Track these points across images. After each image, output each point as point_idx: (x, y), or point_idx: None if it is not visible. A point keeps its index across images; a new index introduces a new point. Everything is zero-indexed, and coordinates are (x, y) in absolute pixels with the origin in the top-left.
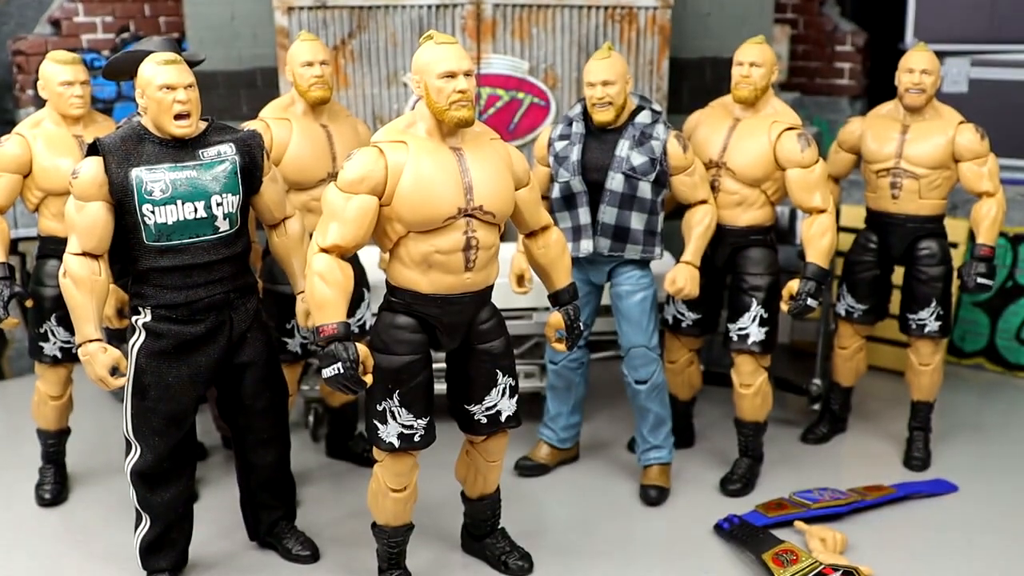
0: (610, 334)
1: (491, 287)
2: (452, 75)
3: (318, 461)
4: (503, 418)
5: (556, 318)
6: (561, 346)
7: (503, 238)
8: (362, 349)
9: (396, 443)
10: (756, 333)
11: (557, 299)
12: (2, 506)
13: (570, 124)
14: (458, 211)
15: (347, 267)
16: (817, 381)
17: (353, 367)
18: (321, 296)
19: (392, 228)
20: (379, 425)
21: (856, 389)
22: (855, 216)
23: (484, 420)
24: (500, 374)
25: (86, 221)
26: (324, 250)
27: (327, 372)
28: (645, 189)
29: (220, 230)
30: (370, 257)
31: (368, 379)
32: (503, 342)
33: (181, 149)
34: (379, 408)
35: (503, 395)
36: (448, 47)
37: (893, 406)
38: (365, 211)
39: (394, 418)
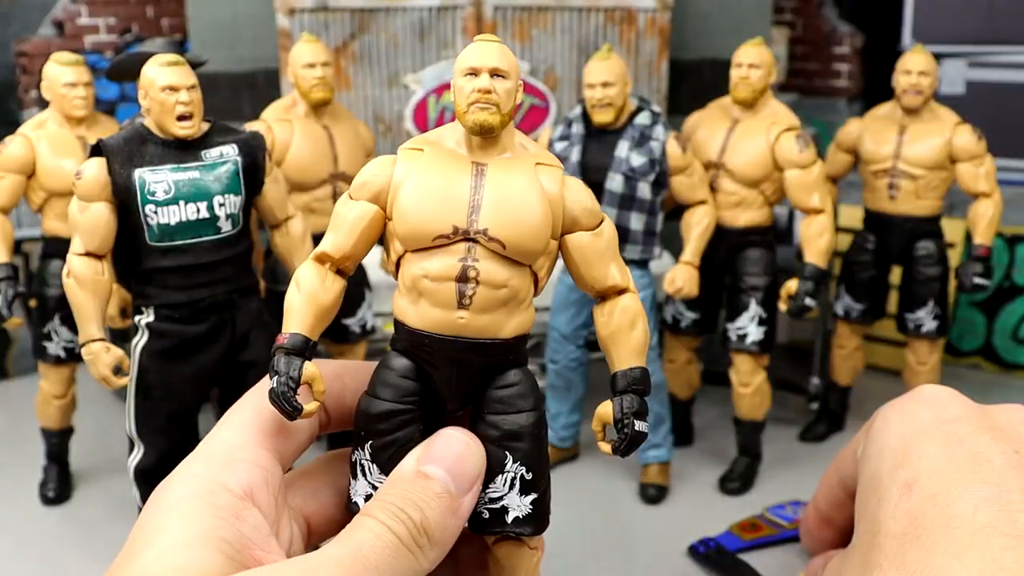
0: None
1: (506, 341)
2: (475, 72)
3: None
4: (509, 518)
5: (604, 410)
6: (607, 446)
7: None
8: (313, 372)
9: (362, 504)
10: (755, 333)
11: (612, 384)
12: (5, 504)
13: (570, 125)
14: (454, 230)
15: (334, 281)
16: (815, 380)
17: (288, 385)
18: (288, 302)
19: (394, 246)
20: (351, 480)
21: (854, 388)
22: (853, 216)
23: (486, 514)
24: (509, 459)
25: (89, 222)
26: (315, 259)
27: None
28: (644, 190)
29: (222, 231)
30: (370, 257)
31: (312, 406)
32: (524, 419)
33: (184, 150)
34: (352, 458)
35: (510, 487)
36: (482, 43)
37: None
38: (361, 219)
39: (364, 474)
